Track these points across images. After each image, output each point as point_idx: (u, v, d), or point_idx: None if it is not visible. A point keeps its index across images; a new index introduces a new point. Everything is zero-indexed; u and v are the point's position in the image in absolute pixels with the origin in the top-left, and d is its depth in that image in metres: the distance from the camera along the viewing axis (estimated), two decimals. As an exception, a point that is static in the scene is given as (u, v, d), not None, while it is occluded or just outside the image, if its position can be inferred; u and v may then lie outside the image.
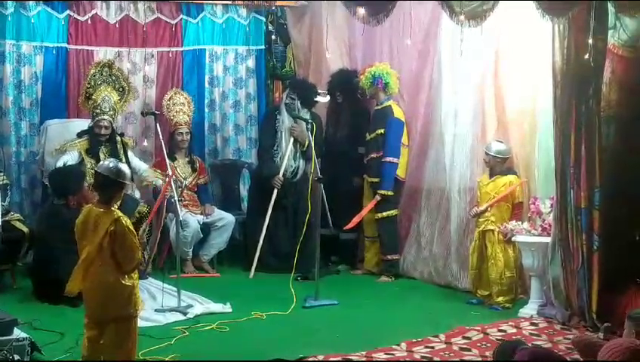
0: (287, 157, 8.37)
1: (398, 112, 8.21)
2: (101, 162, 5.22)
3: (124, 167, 4.92)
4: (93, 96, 7.85)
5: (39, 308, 6.76)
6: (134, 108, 8.78)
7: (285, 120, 8.40)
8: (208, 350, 5.83)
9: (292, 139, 8.37)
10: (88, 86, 7.95)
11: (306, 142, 8.18)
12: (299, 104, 8.38)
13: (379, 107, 8.30)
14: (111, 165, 4.84)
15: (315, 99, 8.49)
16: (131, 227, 4.72)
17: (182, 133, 8.48)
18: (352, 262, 8.79)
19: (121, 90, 8.09)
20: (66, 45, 8.53)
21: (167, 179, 7.26)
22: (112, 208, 4.74)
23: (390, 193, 8.17)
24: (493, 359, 4.46)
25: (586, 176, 6.46)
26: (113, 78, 8.04)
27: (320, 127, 8.49)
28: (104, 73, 8.01)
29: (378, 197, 8.15)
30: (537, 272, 6.95)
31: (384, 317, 6.90)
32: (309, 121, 7.91)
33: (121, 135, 8.11)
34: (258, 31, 9.51)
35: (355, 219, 8.10)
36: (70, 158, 7.72)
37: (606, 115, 6.42)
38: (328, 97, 8.64)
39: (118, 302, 4.65)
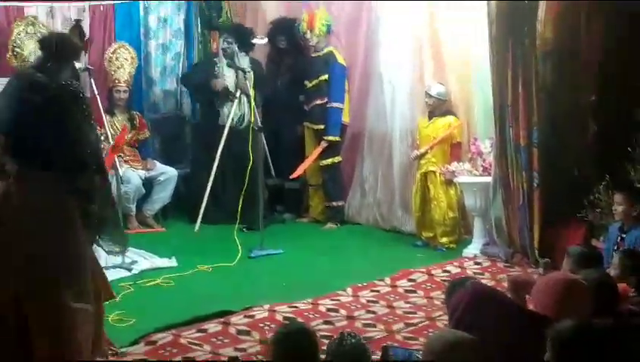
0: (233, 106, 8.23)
1: (340, 58, 8.14)
2: None
3: None
4: (23, 52, 7.61)
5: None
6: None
7: (224, 68, 8.24)
8: (154, 305, 5.80)
9: (239, 91, 8.22)
10: (14, 45, 7.70)
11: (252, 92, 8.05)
12: (236, 48, 8.24)
13: (319, 53, 8.18)
14: None
15: (253, 42, 8.37)
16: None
17: (119, 90, 8.30)
18: (298, 210, 8.76)
19: None
20: (-7, 2, 8.23)
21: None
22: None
23: (338, 138, 8.13)
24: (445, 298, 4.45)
25: (524, 113, 6.51)
26: (38, 35, 7.77)
27: (261, 72, 8.37)
28: (29, 31, 7.74)
29: (324, 144, 8.10)
30: (480, 212, 7.02)
31: (330, 264, 6.93)
32: (246, 70, 7.80)
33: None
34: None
35: (301, 167, 8.06)
36: None
37: (542, 53, 6.45)
38: (266, 40, 8.52)
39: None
